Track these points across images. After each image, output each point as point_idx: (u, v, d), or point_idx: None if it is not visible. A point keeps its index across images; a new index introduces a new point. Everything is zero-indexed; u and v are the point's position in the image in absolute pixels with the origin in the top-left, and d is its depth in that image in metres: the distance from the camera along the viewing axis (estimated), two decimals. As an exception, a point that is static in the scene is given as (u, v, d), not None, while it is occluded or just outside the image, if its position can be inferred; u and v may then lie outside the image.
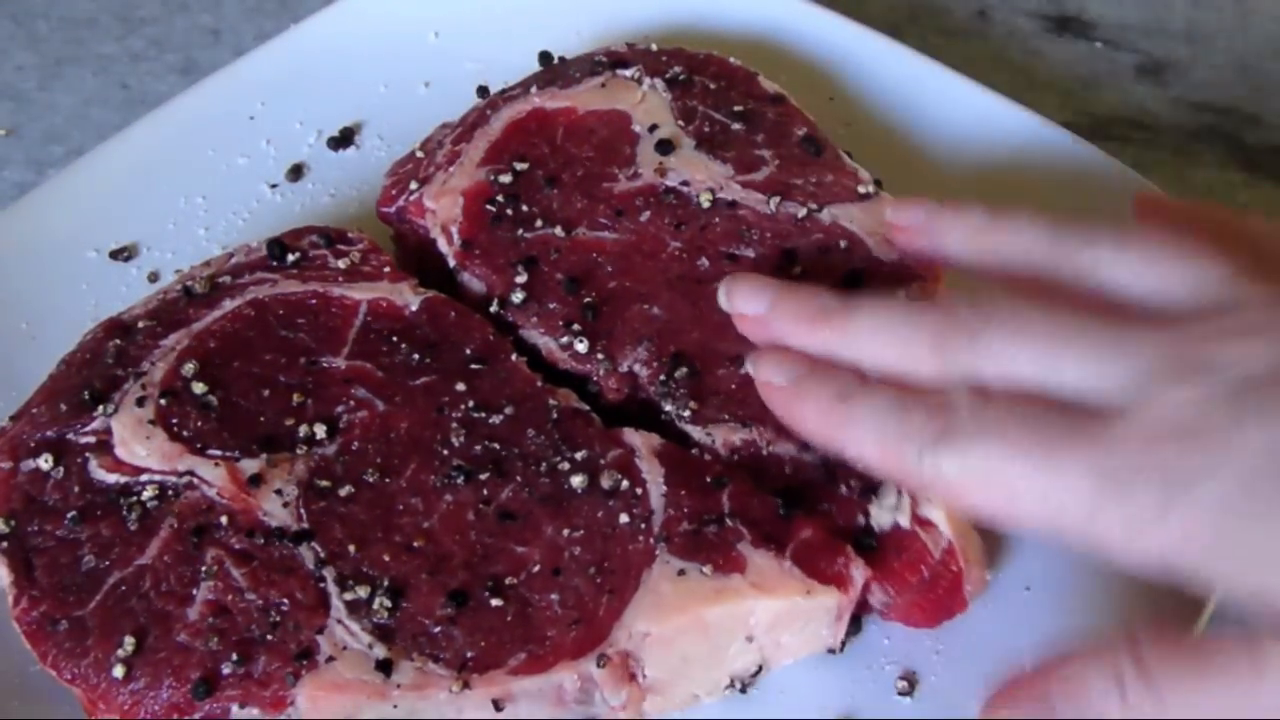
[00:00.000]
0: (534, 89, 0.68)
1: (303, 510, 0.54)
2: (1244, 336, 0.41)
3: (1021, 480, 0.42)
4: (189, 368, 0.58)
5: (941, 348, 0.46)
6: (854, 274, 0.60)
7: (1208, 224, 0.48)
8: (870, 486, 0.54)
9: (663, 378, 0.58)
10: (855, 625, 0.55)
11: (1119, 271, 0.46)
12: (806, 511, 0.54)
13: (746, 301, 0.53)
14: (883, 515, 0.54)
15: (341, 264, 0.63)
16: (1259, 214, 0.49)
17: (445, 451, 0.56)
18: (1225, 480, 0.39)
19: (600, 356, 0.59)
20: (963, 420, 0.44)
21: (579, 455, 0.55)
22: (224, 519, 0.54)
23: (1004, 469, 0.42)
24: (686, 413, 0.57)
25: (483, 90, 0.72)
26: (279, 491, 0.55)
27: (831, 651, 0.54)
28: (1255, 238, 0.47)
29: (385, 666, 0.50)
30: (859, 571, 0.52)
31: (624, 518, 0.53)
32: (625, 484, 0.54)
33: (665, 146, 0.65)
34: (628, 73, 0.68)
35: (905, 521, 0.53)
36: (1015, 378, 0.44)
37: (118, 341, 0.60)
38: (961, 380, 0.45)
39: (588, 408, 0.58)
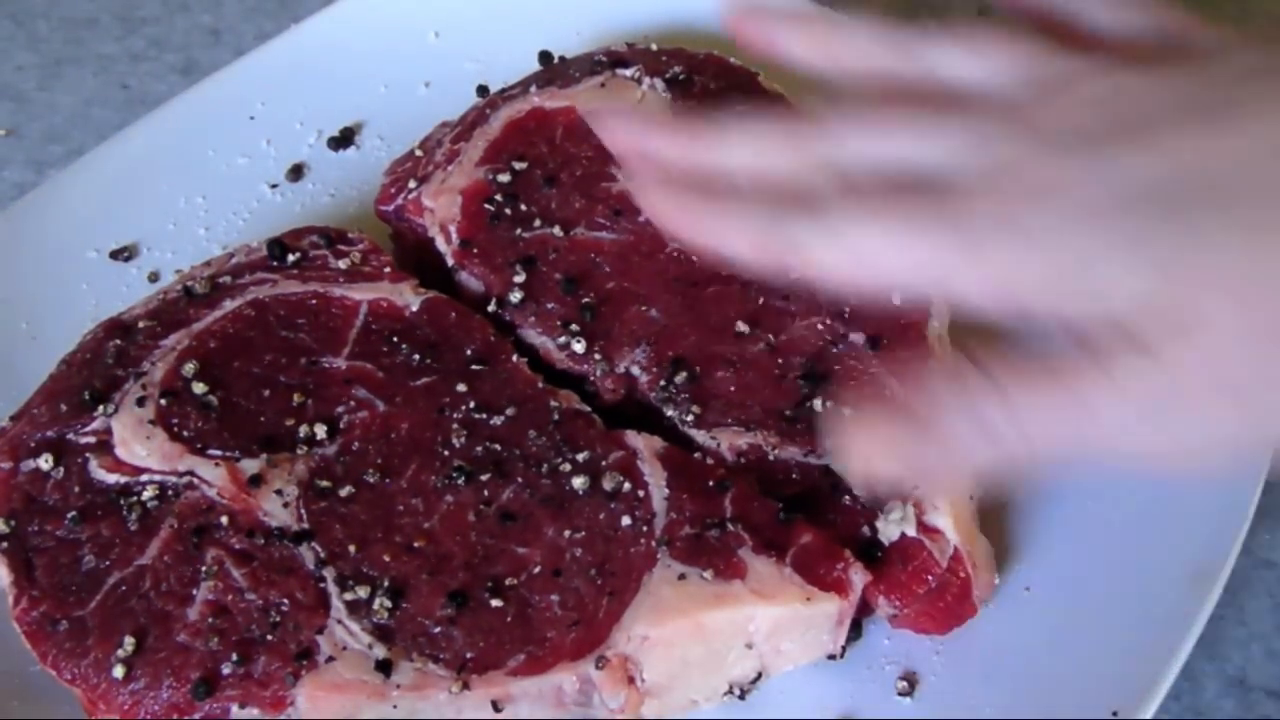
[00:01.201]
0: (534, 88, 0.68)
1: (303, 510, 0.54)
2: (1070, 94, 0.45)
3: (885, 246, 0.44)
4: (189, 368, 0.58)
5: (799, 144, 0.48)
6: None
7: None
8: (874, 497, 0.54)
9: (663, 383, 0.58)
10: (856, 630, 0.55)
11: (952, 62, 0.49)
12: (811, 520, 0.54)
13: (620, 127, 0.53)
14: (889, 529, 0.54)
15: (342, 264, 0.63)
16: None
17: (446, 452, 0.56)
18: (1068, 217, 0.42)
19: (598, 357, 0.59)
20: (829, 202, 0.46)
21: (580, 457, 0.55)
22: (224, 519, 0.54)
23: (870, 240, 0.45)
24: (689, 417, 0.57)
25: (482, 90, 0.72)
26: (279, 491, 0.55)
27: (832, 657, 0.54)
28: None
29: (385, 667, 0.50)
30: (858, 576, 0.52)
31: (626, 520, 0.53)
32: (627, 486, 0.54)
33: (665, 147, 0.65)
34: (628, 72, 0.68)
35: (911, 530, 0.53)
36: (872, 163, 0.47)
37: (118, 341, 0.60)
38: (824, 173, 0.47)
39: (589, 409, 0.58)
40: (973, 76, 0.48)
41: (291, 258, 0.63)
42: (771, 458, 0.56)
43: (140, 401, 0.57)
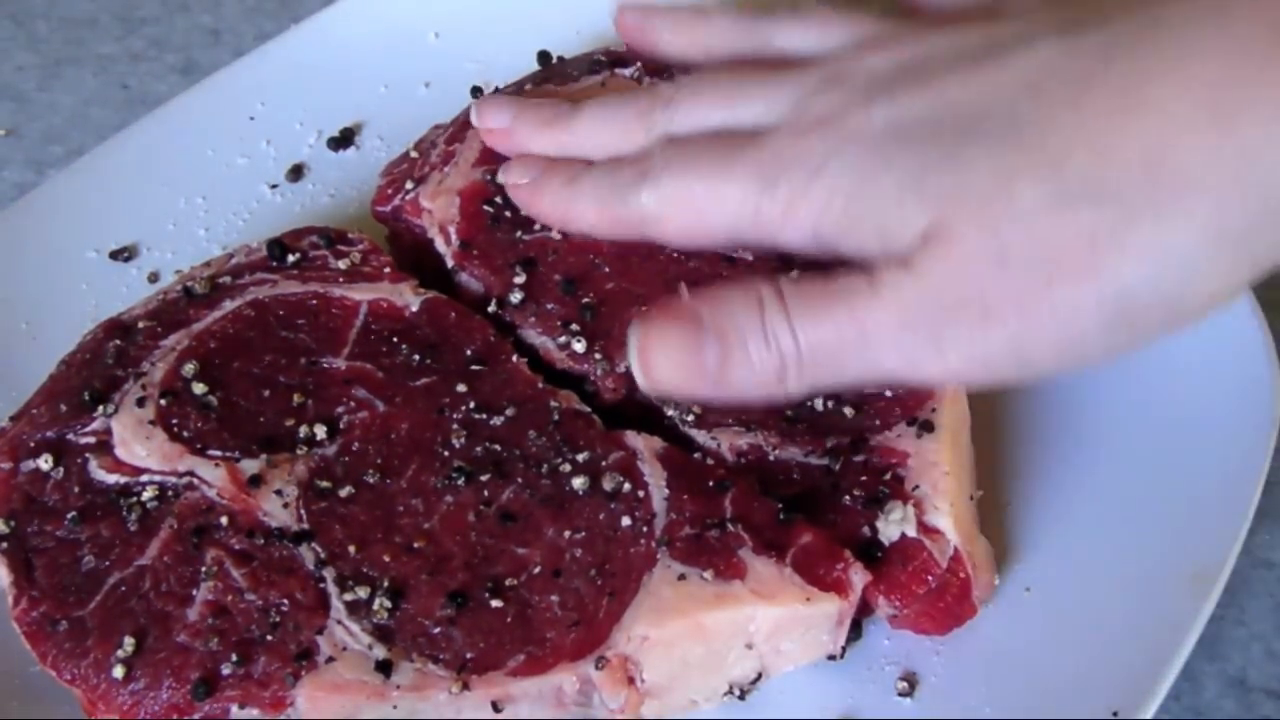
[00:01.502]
0: (528, 88, 0.68)
1: (303, 511, 0.54)
2: (874, 51, 0.50)
3: (702, 194, 0.49)
4: (189, 368, 0.58)
5: (645, 118, 0.54)
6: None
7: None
8: (874, 497, 0.54)
9: (664, 382, 0.58)
10: (856, 630, 0.55)
11: (791, 36, 0.55)
12: (811, 520, 0.54)
13: (493, 117, 0.60)
14: (889, 529, 0.54)
15: (342, 264, 0.63)
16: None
17: (446, 453, 0.56)
18: (852, 153, 0.46)
19: (598, 356, 0.59)
20: (656, 161, 0.51)
21: (580, 457, 0.55)
22: (224, 519, 0.54)
23: (689, 188, 0.50)
24: (690, 417, 0.57)
25: (476, 91, 0.72)
26: (279, 492, 0.55)
27: (832, 658, 0.54)
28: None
29: (385, 667, 0.50)
30: (858, 576, 0.52)
31: (626, 520, 0.53)
32: (627, 486, 0.54)
33: (665, 147, 0.65)
34: (627, 72, 0.68)
35: (911, 530, 0.53)
36: (703, 127, 0.52)
37: (118, 341, 0.60)
38: (661, 140, 0.53)
39: (589, 409, 0.58)
40: (804, 46, 0.54)
41: (291, 258, 0.63)
42: (772, 458, 0.56)
43: (140, 402, 0.57)
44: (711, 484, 0.54)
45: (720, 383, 0.47)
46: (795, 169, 0.47)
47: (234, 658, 0.51)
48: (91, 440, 0.57)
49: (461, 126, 0.67)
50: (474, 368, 0.59)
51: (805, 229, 0.47)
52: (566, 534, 0.53)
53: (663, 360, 0.47)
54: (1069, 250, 0.43)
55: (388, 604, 0.52)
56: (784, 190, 0.47)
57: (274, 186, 0.73)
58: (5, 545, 0.54)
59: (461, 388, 0.58)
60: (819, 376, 0.47)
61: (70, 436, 0.57)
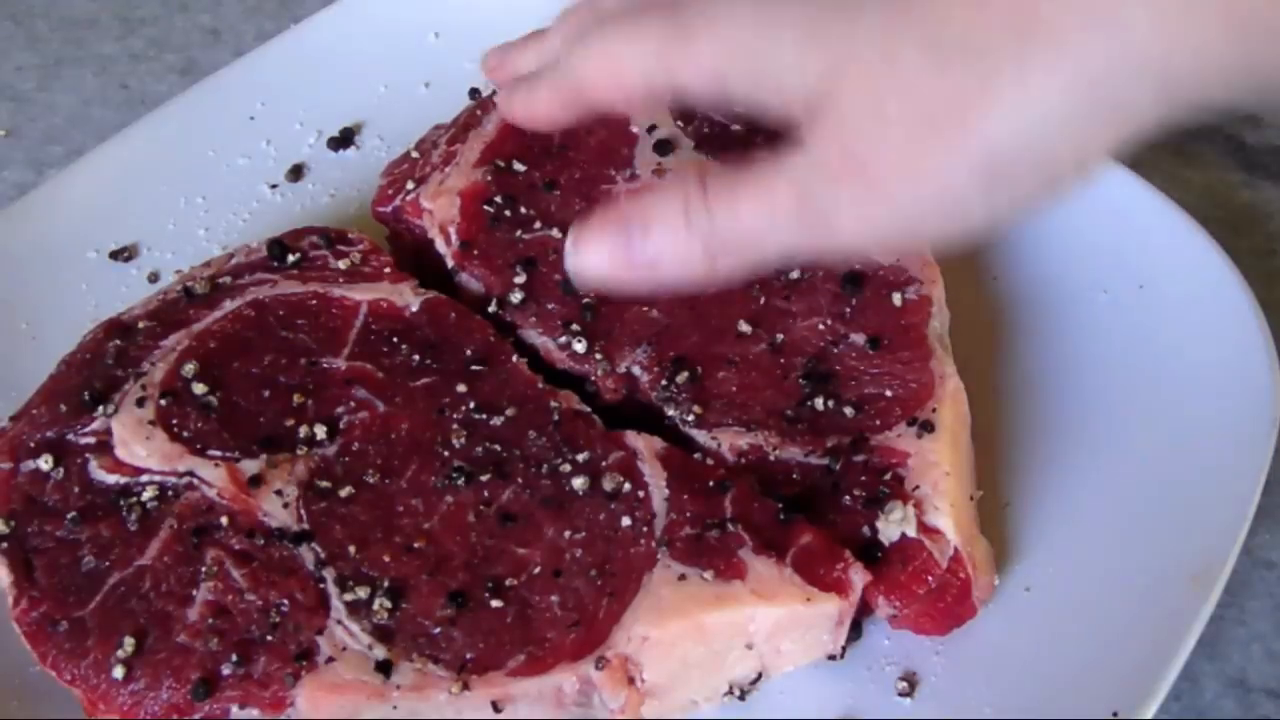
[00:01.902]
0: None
1: (303, 511, 0.54)
2: None
3: (621, 48, 0.50)
4: (189, 368, 0.58)
5: (597, 6, 0.54)
6: (853, 275, 0.60)
7: None
8: (874, 497, 0.54)
9: (664, 382, 0.58)
10: (856, 630, 0.55)
11: None
12: (811, 520, 0.54)
13: (494, 54, 0.62)
14: (890, 529, 0.54)
15: (342, 265, 0.63)
16: None
17: (446, 453, 0.56)
18: (755, 4, 0.47)
19: (598, 356, 0.59)
20: (591, 26, 0.52)
21: (580, 457, 0.55)
22: (224, 519, 0.54)
23: (611, 45, 0.51)
24: (690, 417, 0.57)
25: (474, 92, 0.72)
26: (279, 492, 0.55)
27: (832, 658, 0.54)
28: None
29: (385, 667, 0.50)
30: (858, 576, 0.52)
31: (626, 520, 0.53)
32: (627, 487, 0.54)
33: (664, 147, 0.65)
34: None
35: (911, 531, 0.53)
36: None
37: (118, 342, 0.60)
38: None
39: (589, 409, 0.58)
40: None
41: (291, 258, 0.63)
42: (772, 458, 0.56)
43: (140, 402, 0.57)
44: (711, 484, 0.54)
45: (649, 269, 0.48)
46: (702, 19, 0.48)
47: (234, 658, 0.51)
48: (91, 440, 0.57)
49: (463, 127, 0.67)
50: (474, 368, 0.59)
51: (708, 78, 0.48)
52: (566, 534, 0.53)
53: (593, 253, 0.49)
54: (943, 110, 0.43)
55: (388, 604, 0.52)
56: (692, 38, 0.48)
57: (274, 186, 0.73)
58: (5, 545, 0.54)
59: (461, 388, 0.58)
60: (743, 258, 0.48)
61: (70, 436, 0.57)
